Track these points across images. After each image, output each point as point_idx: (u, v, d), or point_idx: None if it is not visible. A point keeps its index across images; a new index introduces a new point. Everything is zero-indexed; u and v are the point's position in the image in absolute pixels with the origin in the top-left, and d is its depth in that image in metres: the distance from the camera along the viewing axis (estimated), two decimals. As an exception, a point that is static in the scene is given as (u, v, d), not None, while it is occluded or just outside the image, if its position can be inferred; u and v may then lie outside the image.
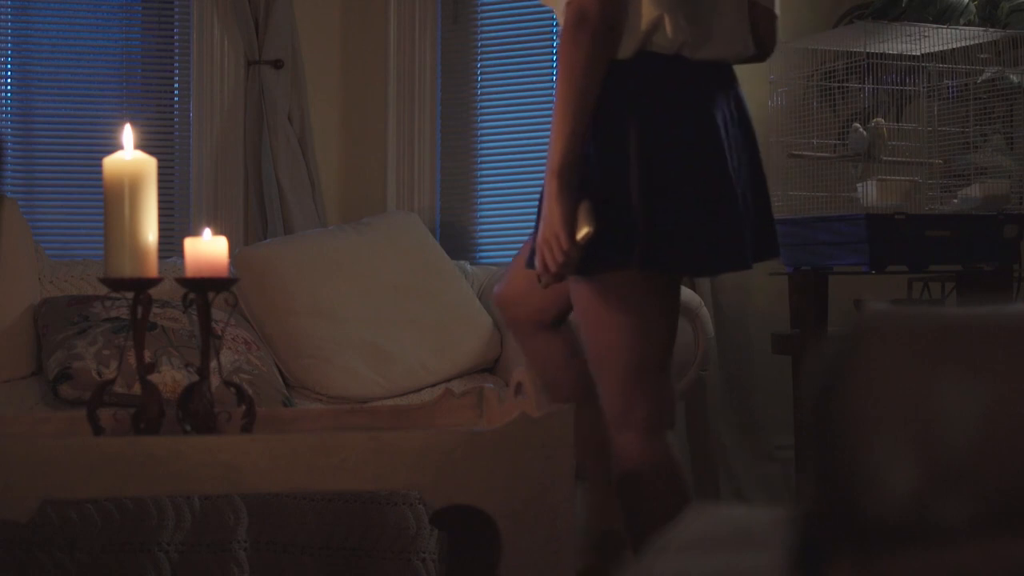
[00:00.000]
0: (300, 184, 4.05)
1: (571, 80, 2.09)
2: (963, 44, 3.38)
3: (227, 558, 2.70)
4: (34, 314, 3.31)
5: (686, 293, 3.18)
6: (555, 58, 4.14)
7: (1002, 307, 0.75)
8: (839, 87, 3.45)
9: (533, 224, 2.21)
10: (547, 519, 2.01)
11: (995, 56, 3.37)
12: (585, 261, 2.11)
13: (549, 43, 4.16)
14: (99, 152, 2.29)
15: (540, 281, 2.15)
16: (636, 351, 2.18)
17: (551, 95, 4.15)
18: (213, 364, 2.17)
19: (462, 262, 3.83)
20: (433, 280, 3.57)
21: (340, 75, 4.30)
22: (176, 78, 4.16)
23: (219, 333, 2.88)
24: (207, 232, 2.18)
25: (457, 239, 4.15)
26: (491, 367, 3.54)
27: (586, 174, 2.11)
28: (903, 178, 3.27)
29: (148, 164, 2.09)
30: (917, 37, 3.34)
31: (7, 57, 4.06)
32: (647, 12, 2.16)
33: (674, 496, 2.21)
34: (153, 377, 2.25)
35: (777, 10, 2.35)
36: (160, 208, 2.14)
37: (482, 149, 4.18)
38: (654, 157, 2.14)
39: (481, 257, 4.14)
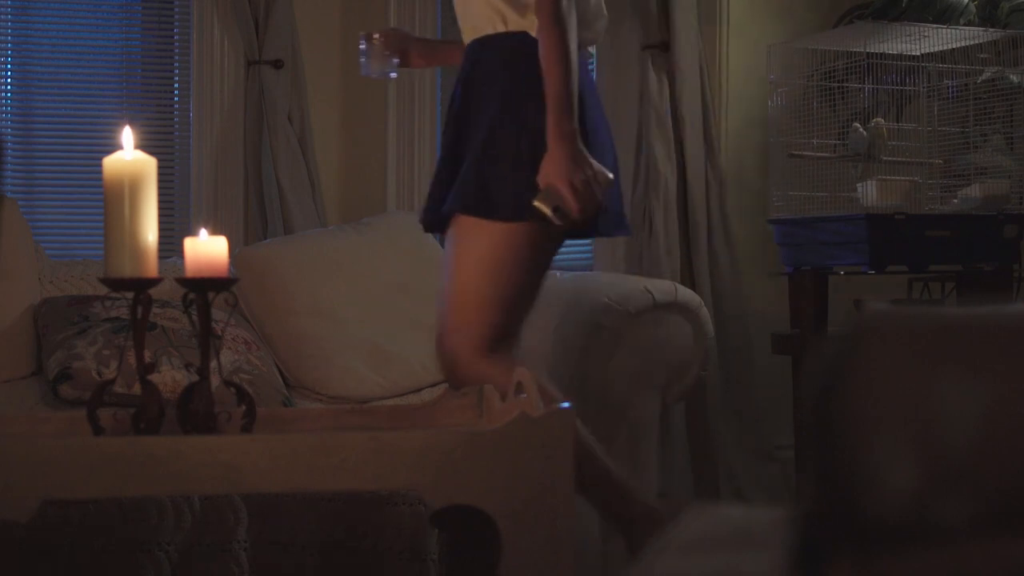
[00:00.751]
0: (300, 184, 4.05)
1: (568, 55, 2.36)
2: (963, 44, 3.38)
3: (227, 558, 2.70)
4: (34, 314, 3.31)
5: (686, 293, 3.18)
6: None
7: (1002, 307, 0.75)
8: (839, 87, 3.45)
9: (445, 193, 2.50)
10: (547, 519, 2.01)
11: (995, 56, 3.37)
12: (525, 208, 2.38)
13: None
14: (99, 152, 2.28)
15: (558, 218, 2.37)
16: (529, 289, 2.52)
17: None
18: (213, 364, 2.17)
19: (462, 262, 3.82)
20: (433, 280, 3.57)
21: (340, 75, 4.30)
22: (176, 78, 4.16)
23: (219, 333, 2.88)
24: (203, 232, 2.18)
25: (457, 239, 4.15)
26: (491, 367, 3.54)
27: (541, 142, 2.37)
28: (903, 178, 3.27)
29: (148, 164, 2.09)
30: (917, 37, 3.34)
31: (7, 57, 4.06)
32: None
33: None
34: (153, 377, 2.25)
35: None
36: (160, 208, 2.13)
37: (482, 149, 4.18)
38: (596, 133, 2.47)
39: (481, 257, 4.13)
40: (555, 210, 2.36)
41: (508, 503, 2.00)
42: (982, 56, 3.40)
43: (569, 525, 2.03)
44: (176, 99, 4.17)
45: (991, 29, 3.40)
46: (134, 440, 2.02)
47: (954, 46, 3.39)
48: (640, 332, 3.03)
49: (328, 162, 4.25)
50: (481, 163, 2.44)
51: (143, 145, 2.11)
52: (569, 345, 3.04)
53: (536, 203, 2.38)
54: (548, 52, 2.37)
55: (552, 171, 2.35)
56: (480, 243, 2.47)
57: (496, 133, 2.44)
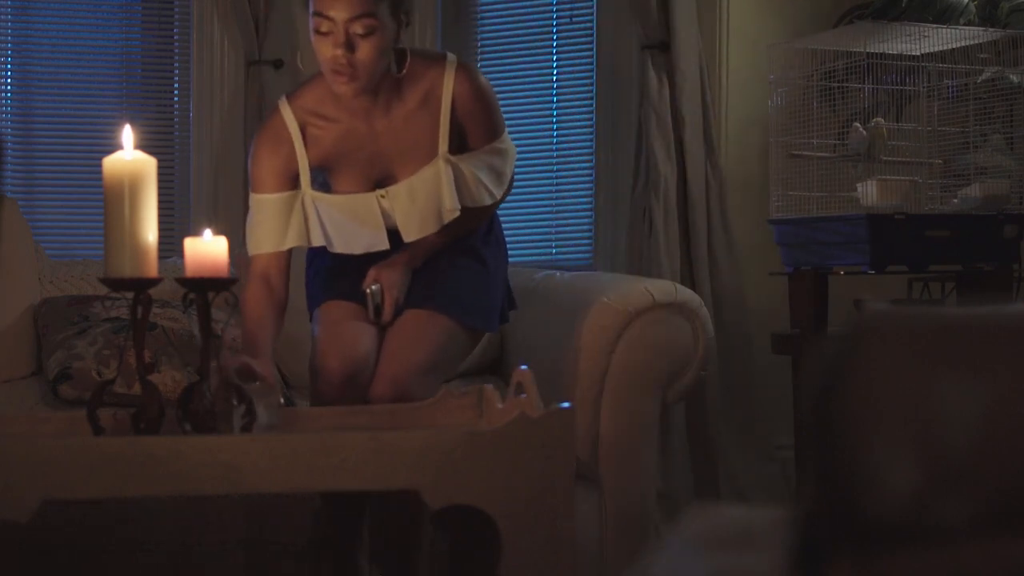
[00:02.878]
0: (300, 184, 4.05)
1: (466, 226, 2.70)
2: (963, 44, 3.38)
3: (227, 558, 2.70)
4: (34, 314, 3.31)
5: (686, 293, 3.18)
6: (555, 57, 4.15)
7: (1002, 307, 0.75)
8: (839, 87, 3.44)
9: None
10: (547, 519, 2.01)
11: (995, 56, 3.37)
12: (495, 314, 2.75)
13: (549, 42, 4.15)
14: (99, 152, 2.28)
15: (374, 314, 2.64)
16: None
17: (551, 93, 4.15)
18: (213, 364, 2.17)
19: (462, 262, 3.82)
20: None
21: (340, 75, 4.29)
22: (176, 78, 4.16)
23: (219, 333, 2.88)
24: (207, 232, 2.18)
25: (457, 239, 4.14)
26: (491, 367, 3.54)
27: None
28: (903, 178, 3.27)
29: (148, 164, 2.09)
30: (917, 37, 3.34)
31: (7, 57, 4.06)
32: None
33: None
34: (153, 377, 2.25)
35: None
36: (160, 208, 2.13)
37: (482, 149, 4.17)
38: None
39: (481, 257, 4.13)
40: (376, 307, 2.64)
41: (508, 503, 2.00)
42: (982, 56, 3.39)
43: (569, 525, 2.03)
44: (176, 99, 4.17)
45: (991, 29, 3.40)
46: (134, 440, 2.02)
47: (954, 46, 3.39)
48: (640, 332, 3.03)
49: (328, 162, 4.24)
50: (466, 279, 2.72)
51: (143, 145, 2.11)
52: (569, 345, 3.04)
53: (369, 292, 2.62)
54: (470, 218, 2.69)
55: (392, 280, 2.63)
56: (438, 328, 2.65)
57: (477, 255, 2.76)
